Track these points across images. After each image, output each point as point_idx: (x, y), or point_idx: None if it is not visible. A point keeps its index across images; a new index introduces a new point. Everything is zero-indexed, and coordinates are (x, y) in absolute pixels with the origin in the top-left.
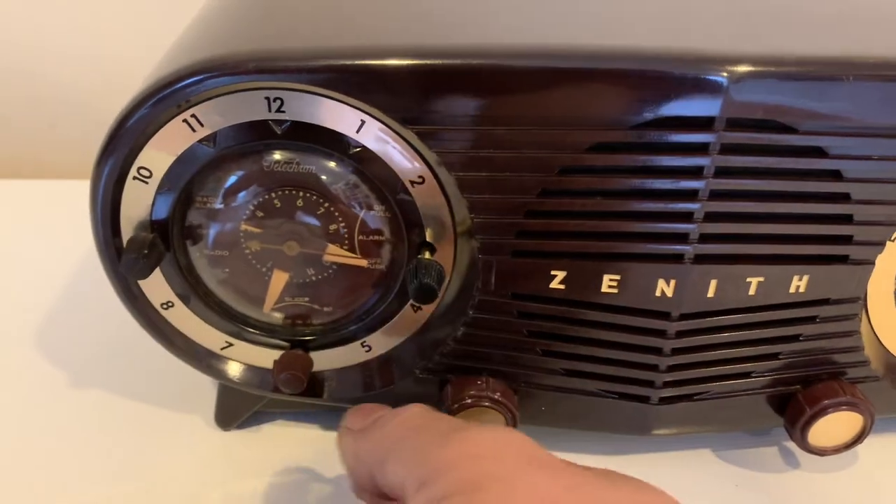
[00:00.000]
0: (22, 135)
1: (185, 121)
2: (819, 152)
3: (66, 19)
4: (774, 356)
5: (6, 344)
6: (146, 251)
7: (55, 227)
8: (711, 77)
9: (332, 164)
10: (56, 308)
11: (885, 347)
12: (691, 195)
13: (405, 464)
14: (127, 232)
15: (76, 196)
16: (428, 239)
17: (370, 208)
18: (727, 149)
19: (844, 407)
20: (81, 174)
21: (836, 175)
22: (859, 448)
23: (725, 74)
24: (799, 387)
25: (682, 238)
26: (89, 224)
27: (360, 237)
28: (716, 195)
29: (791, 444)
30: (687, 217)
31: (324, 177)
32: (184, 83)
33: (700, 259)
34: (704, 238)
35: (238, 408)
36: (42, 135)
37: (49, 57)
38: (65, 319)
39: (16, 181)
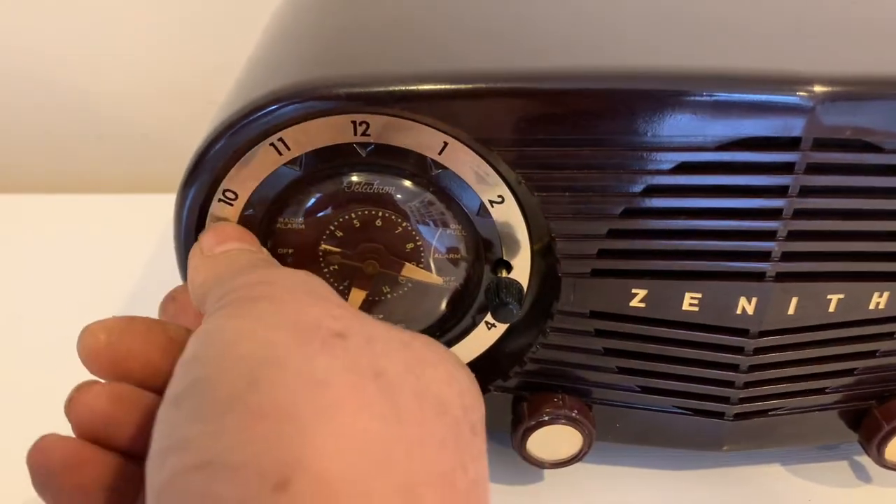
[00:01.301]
0: (69, 147)
1: (272, 144)
2: None
3: (113, 33)
4: (850, 372)
5: (65, 358)
6: None
7: (105, 242)
8: (797, 99)
9: (409, 184)
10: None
11: None
12: (775, 214)
13: (217, 291)
14: None
15: (122, 210)
16: (504, 257)
17: (446, 226)
18: (812, 168)
19: None
20: (131, 187)
21: None
22: None
23: (810, 96)
24: (874, 402)
25: (765, 256)
26: (137, 238)
27: (436, 255)
28: (799, 214)
29: (861, 459)
30: (770, 235)
31: (401, 196)
32: (272, 108)
33: (781, 277)
34: (787, 256)
35: None
36: (89, 147)
37: (96, 70)
38: None
39: (63, 195)
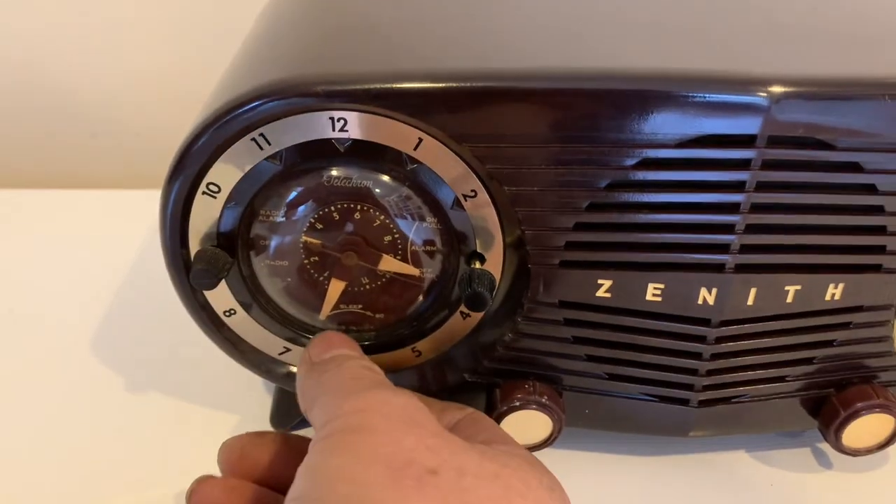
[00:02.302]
0: (63, 145)
1: (253, 139)
2: (855, 167)
3: (106, 39)
4: (809, 361)
5: (55, 353)
6: (215, 263)
7: (97, 236)
8: (754, 98)
9: (387, 179)
10: (108, 318)
11: None
12: (733, 208)
13: (322, 410)
14: (194, 244)
15: (116, 205)
16: (478, 249)
17: (423, 220)
18: (768, 164)
19: (877, 409)
20: (123, 183)
21: (871, 189)
22: (893, 449)
23: (767, 95)
24: (832, 390)
25: (724, 249)
26: (130, 233)
27: (413, 248)
28: (756, 208)
29: (823, 446)
30: (729, 229)
31: (379, 190)
32: (253, 104)
33: (741, 269)
34: (745, 249)
35: (293, 409)
36: (83, 145)
37: (88, 72)
38: (117, 328)
39: (59, 191)
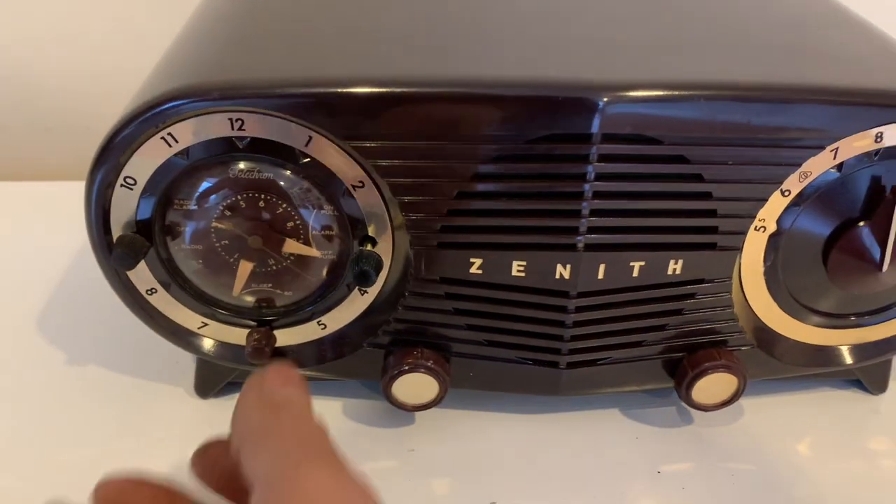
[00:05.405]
0: (19, 138)
1: (162, 138)
2: (682, 159)
3: (60, 29)
4: (662, 328)
5: (8, 329)
6: (133, 247)
7: (50, 225)
8: (589, 100)
9: (287, 172)
10: (54, 297)
11: (759, 320)
12: (578, 196)
13: (268, 461)
14: (116, 230)
15: (69, 196)
16: (370, 233)
17: (321, 208)
18: (604, 157)
19: (721, 369)
20: (74, 175)
21: (698, 178)
22: (743, 403)
23: (601, 98)
24: (685, 353)
25: (574, 231)
26: (82, 222)
27: (313, 232)
28: (599, 195)
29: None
30: (576, 214)
31: (281, 182)
32: (161, 108)
33: (589, 247)
34: (592, 230)
35: (214, 379)
36: (38, 138)
37: (44, 65)
38: (61, 307)
39: (14, 183)
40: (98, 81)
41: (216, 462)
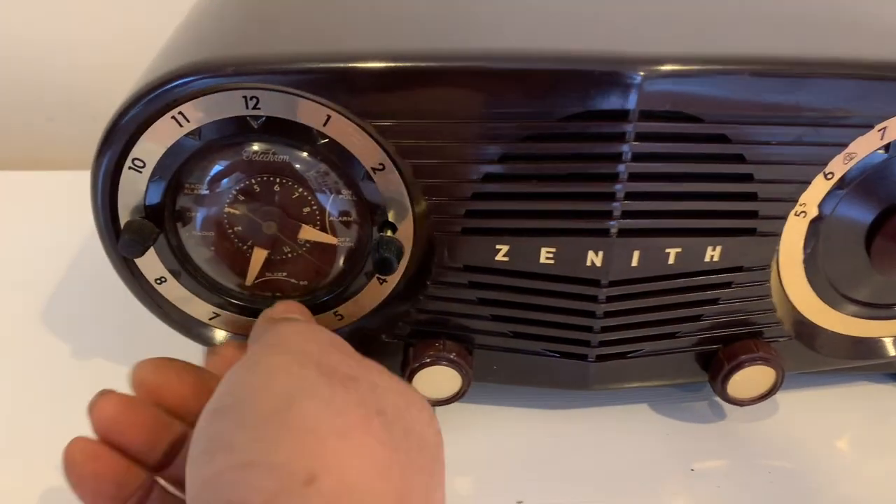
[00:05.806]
0: (22, 128)
1: (173, 117)
2: (723, 139)
3: (66, 20)
4: (697, 318)
5: (11, 321)
6: (141, 233)
7: (55, 215)
8: (626, 75)
9: (303, 154)
10: (60, 288)
11: (797, 310)
12: (613, 178)
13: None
14: (124, 216)
15: (74, 186)
16: (390, 219)
17: (339, 192)
18: (642, 136)
19: (759, 362)
20: (77, 165)
21: (739, 158)
22: (779, 398)
23: (638, 73)
24: (721, 345)
25: (607, 215)
26: (87, 211)
27: (331, 218)
28: (634, 177)
29: (718, 399)
30: (610, 197)
31: (297, 165)
32: (172, 84)
33: (623, 233)
34: (626, 214)
35: None
36: (41, 128)
37: (47, 55)
38: (66, 298)
39: (17, 172)
40: (103, 72)
41: (228, 362)
